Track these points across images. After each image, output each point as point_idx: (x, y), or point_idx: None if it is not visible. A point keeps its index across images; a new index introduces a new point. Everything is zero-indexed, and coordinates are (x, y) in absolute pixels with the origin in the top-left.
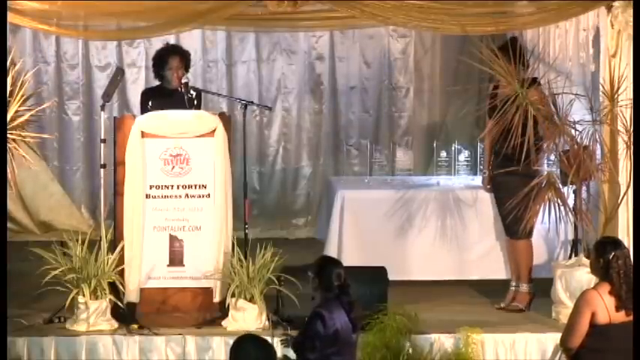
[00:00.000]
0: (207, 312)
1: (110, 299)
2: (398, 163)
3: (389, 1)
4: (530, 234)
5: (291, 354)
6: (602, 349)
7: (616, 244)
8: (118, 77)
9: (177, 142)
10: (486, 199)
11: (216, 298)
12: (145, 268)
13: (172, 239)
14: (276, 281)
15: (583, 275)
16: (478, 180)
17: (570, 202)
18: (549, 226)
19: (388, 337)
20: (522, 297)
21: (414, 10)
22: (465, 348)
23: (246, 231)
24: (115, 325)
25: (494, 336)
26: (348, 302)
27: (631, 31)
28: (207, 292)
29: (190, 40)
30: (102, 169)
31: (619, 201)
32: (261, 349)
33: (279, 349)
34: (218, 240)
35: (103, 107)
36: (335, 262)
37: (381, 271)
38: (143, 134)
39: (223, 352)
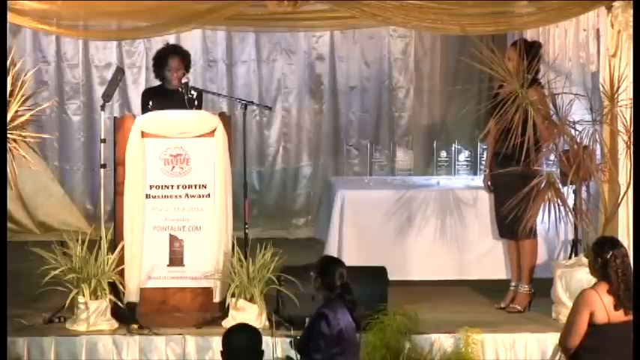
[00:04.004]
0: (207, 312)
1: (110, 299)
2: (398, 163)
3: (389, 1)
4: (534, 233)
5: (294, 354)
6: (600, 348)
7: (614, 243)
8: (118, 77)
9: (178, 142)
10: (486, 199)
11: (216, 298)
12: (145, 268)
13: (172, 239)
14: (276, 281)
15: (583, 275)
16: (478, 180)
17: (570, 202)
18: (549, 226)
19: (388, 337)
20: (522, 297)
21: (414, 10)
22: (465, 348)
23: (246, 231)
24: (115, 325)
25: (495, 336)
26: (351, 301)
27: (631, 31)
28: (207, 292)
29: (190, 40)
30: (102, 169)
31: (619, 201)
32: (252, 337)
33: (280, 350)
34: (218, 240)
35: (103, 107)
36: (338, 262)
37: (381, 271)
38: (143, 134)
39: None
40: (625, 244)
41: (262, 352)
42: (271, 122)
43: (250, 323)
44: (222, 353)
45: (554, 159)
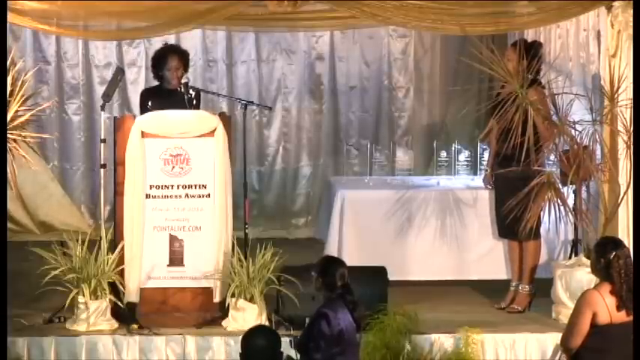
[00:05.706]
0: (207, 312)
1: (110, 299)
2: (398, 163)
3: (389, 1)
4: (538, 235)
5: (294, 354)
6: (602, 349)
7: (616, 243)
8: (118, 77)
9: (177, 142)
10: (486, 199)
11: (216, 298)
12: (145, 268)
13: (172, 239)
14: (276, 281)
15: (583, 275)
16: (478, 180)
17: (570, 202)
18: (549, 226)
19: (388, 337)
20: (522, 298)
21: (414, 10)
22: (465, 348)
23: (246, 231)
24: (115, 325)
25: (495, 336)
26: (352, 301)
27: (631, 31)
28: (207, 292)
29: (190, 40)
30: (102, 169)
31: (619, 201)
32: (270, 339)
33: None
34: (218, 240)
35: (103, 107)
36: (339, 262)
37: (381, 271)
38: (143, 134)
39: (223, 352)
40: (625, 244)
41: (282, 353)
42: (271, 122)
43: (250, 323)
44: (241, 355)
45: (554, 159)
